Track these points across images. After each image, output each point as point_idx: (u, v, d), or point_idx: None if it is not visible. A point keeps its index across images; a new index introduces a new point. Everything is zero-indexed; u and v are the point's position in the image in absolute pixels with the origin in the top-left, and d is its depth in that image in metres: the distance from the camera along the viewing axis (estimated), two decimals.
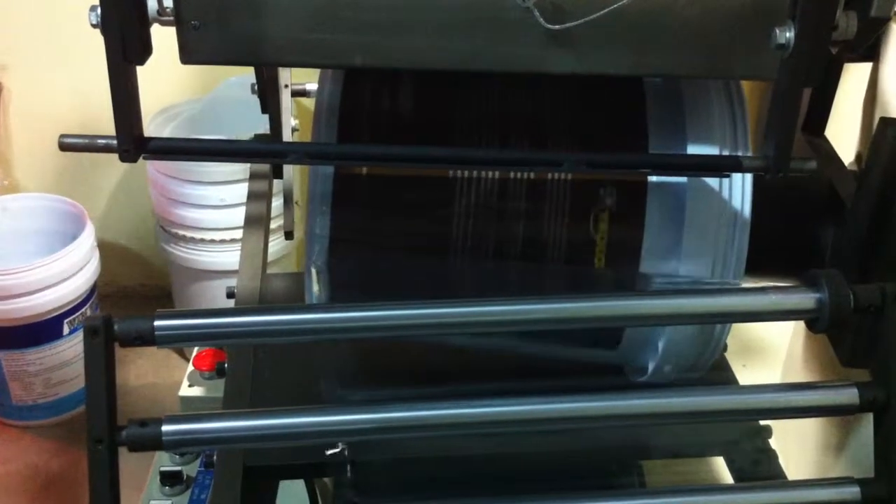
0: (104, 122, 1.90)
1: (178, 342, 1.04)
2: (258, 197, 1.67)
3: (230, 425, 1.04)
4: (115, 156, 1.01)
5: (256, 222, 1.62)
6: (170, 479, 1.56)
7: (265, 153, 1.07)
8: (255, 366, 1.35)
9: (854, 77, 1.47)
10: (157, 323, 1.00)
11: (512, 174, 1.13)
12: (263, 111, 1.53)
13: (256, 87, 1.52)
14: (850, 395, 1.06)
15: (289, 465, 1.29)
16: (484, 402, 1.06)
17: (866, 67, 1.42)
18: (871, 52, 1.35)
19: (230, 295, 1.49)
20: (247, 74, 2.23)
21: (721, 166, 1.07)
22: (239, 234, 2.33)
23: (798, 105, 0.98)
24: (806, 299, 1.06)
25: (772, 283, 1.29)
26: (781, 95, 0.98)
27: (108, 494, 0.98)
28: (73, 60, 2.47)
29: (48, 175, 2.59)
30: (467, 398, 1.07)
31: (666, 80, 1.18)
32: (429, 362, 1.33)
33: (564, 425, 1.10)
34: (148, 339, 0.99)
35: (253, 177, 1.71)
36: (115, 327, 0.98)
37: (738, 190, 1.13)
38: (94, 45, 1.86)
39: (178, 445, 1.04)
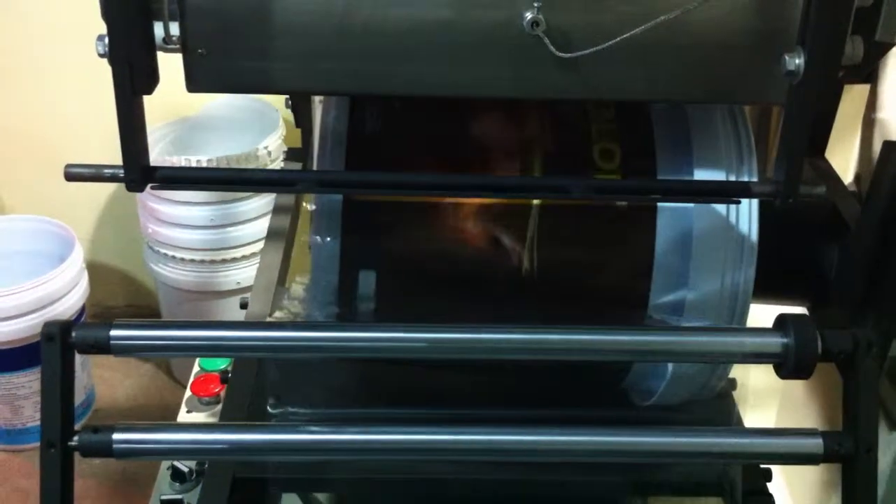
0: (90, 142, 1.90)
1: (134, 352, 1.07)
2: (283, 210, 1.67)
3: (180, 437, 1.07)
4: None
5: (278, 234, 1.63)
6: None
7: (274, 182, 1.07)
8: (260, 377, 1.35)
9: (846, 97, 1.48)
10: (113, 332, 1.01)
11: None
12: (297, 125, 1.53)
13: (290, 102, 1.52)
14: (814, 445, 1.04)
15: (279, 478, 1.29)
16: (463, 430, 1.06)
17: (855, 87, 1.42)
18: (869, 73, 1.36)
19: (243, 305, 1.50)
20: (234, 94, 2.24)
21: (731, 192, 1.07)
22: (228, 254, 2.36)
23: (807, 131, 0.98)
24: (771, 343, 1.04)
25: (772, 307, 1.30)
26: (791, 121, 0.98)
27: (58, 499, 1.00)
28: (53, 79, 2.46)
29: (36, 196, 2.57)
30: (438, 424, 1.06)
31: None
32: (422, 384, 1.32)
33: (528, 458, 1.09)
34: (104, 347, 1.01)
35: None
36: (73, 334, 1.00)
37: (746, 213, 1.14)
38: (73, 65, 1.84)
39: (129, 454, 1.05)
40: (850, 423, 1.04)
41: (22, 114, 2.54)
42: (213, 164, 2.13)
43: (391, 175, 1.06)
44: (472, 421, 1.07)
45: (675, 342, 1.07)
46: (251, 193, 2.24)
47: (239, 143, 2.32)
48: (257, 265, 1.62)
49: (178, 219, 2.33)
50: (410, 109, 1.17)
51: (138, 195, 2.40)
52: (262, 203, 2.30)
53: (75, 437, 1.01)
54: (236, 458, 1.21)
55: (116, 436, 1.01)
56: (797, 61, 0.94)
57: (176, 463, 1.41)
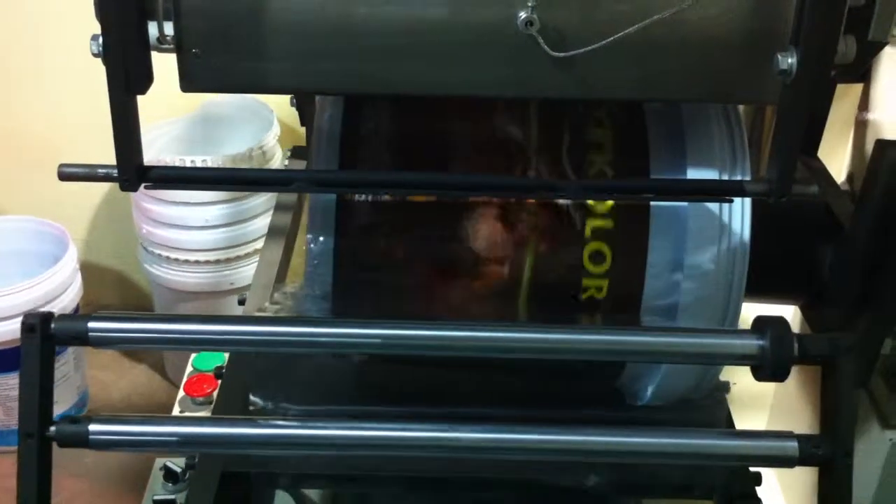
0: (86, 143, 1.90)
1: (112, 344, 1.10)
2: (285, 207, 1.68)
3: (156, 429, 1.08)
4: None
5: (279, 232, 1.64)
6: None
7: (268, 182, 1.07)
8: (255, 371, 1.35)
9: (839, 97, 1.48)
10: (91, 324, 1.03)
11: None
12: (302, 124, 1.53)
13: (294, 101, 1.52)
14: (790, 448, 1.04)
15: (267, 473, 1.29)
16: (452, 427, 1.06)
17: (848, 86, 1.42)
18: (862, 72, 1.36)
19: (241, 302, 1.50)
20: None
21: (724, 191, 1.07)
22: (222, 255, 2.36)
23: (800, 130, 0.98)
24: (747, 346, 1.04)
25: (767, 305, 1.30)
26: (784, 120, 0.98)
27: (35, 487, 1.01)
28: (49, 79, 2.46)
29: (31, 197, 2.57)
30: (428, 422, 1.06)
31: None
32: (414, 382, 1.32)
33: (513, 456, 1.09)
34: (82, 338, 1.03)
35: None
36: (52, 325, 1.02)
37: (739, 212, 1.14)
38: (70, 65, 1.83)
39: (105, 445, 1.06)
40: (827, 427, 1.04)
41: (16, 114, 2.53)
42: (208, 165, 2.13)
43: (385, 174, 1.06)
44: (463, 419, 1.07)
45: (648, 343, 1.07)
46: (245, 194, 2.23)
47: (237, 141, 2.31)
48: (256, 264, 1.62)
49: (172, 219, 2.33)
50: (404, 109, 1.17)
51: (133, 195, 2.40)
52: (258, 203, 2.30)
53: (52, 428, 1.02)
54: (211, 451, 1.22)
55: (93, 427, 1.03)
56: (790, 60, 0.94)
57: (169, 463, 1.42)
